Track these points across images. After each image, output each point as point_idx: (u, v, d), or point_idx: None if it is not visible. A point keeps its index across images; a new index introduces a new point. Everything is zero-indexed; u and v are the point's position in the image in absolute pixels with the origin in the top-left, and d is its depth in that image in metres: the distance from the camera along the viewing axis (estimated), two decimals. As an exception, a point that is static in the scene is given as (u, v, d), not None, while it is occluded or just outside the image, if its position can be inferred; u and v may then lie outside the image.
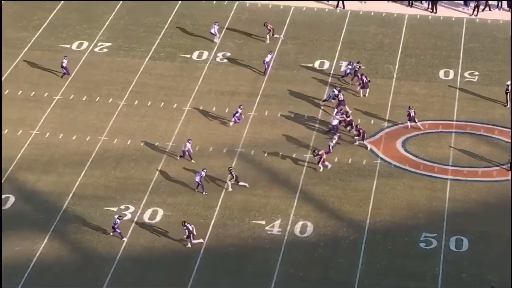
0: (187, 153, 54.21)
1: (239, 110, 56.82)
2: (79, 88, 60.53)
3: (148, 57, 64.06)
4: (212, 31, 65.48)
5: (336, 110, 57.32)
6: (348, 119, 56.41)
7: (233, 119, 56.96)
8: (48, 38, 65.77)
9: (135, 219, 50.66)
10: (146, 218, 50.88)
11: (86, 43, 65.40)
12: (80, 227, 50.15)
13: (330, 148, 54.59)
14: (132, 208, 51.42)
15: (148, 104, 59.10)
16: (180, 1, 70.40)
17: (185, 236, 48.31)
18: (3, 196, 51.82)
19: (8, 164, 54.05)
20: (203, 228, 50.07)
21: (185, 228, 48.15)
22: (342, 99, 57.85)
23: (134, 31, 66.88)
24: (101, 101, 59.51)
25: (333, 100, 58.41)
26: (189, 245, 48.44)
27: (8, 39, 65.14)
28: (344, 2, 69.77)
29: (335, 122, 56.27)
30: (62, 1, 69.74)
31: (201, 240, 48.73)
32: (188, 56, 64.26)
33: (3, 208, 51.11)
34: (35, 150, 55.39)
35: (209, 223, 50.43)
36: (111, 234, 49.28)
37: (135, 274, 47.45)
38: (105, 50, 64.90)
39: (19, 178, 53.23)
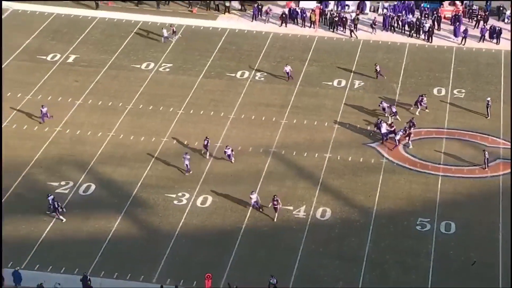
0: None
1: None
2: (147, 100, 60.55)
3: (201, 75, 63.96)
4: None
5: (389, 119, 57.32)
6: (392, 129, 56.06)
7: None
8: (123, 60, 65.82)
9: (190, 204, 50.62)
10: (198, 203, 50.82)
11: (152, 64, 65.40)
12: (146, 209, 50.21)
13: (397, 142, 55.10)
14: (187, 195, 51.40)
15: (201, 113, 59.07)
16: (227, 32, 70.27)
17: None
18: (86, 184, 51.93)
19: (90, 158, 54.17)
20: (243, 212, 49.98)
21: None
22: (395, 111, 57.90)
23: (191, 54, 66.82)
24: (163, 110, 59.48)
25: (385, 112, 58.29)
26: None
27: (92, 60, 65.28)
28: (357, 32, 69.44)
29: (383, 130, 56.03)
30: (134, 32, 69.73)
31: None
32: (233, 75, 64.15)
33: (86, 193, 51.28)
34: (111, 148, 55.46)
35: (248, 208, 50.31)
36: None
37: (189, 248, 47.49)
38: (168, 69, 64.87)
39: (98, 170, 53.32)
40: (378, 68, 63.53)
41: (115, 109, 59.13)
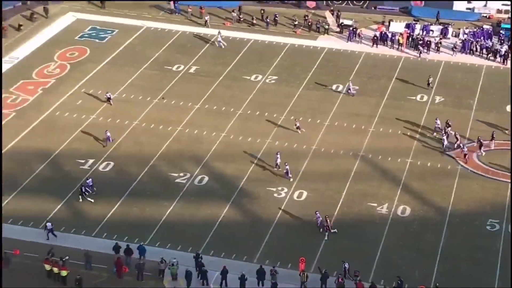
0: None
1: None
2: (254, 106, 60.83)
3: (302, 87, 63.89)
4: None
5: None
6: (458, 142, 55.24)
7: None
8: (236, 72, 66.29)
9: (287, 197, 50.68)
10: (295, 196, 50.85)
11: (260, 76, 65.66)
12: (250, 200, 50.47)
13: (465, 153, 53.94)
14: (286, 189, 51.49)
15: (300, 119, 59.11)
16: (325, 50, 70.08)
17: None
18: (200, 176, 52.45)
19: (205, 154, 54.68)
20: (333, 206, 49.82)
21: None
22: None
23: (293, 69, 66.81)
24: (268, 116, 59.65)
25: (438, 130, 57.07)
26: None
27: (210, 71, 65.93)
28: (439, 55, 68.28)
29: (446, 142, 55.26)
30: (247, 47, 70.27)
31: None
32: (329, 88, 63.96)
33: (200, 184, 51.78)
34: (223, 146, 55.90)
35: (337, 203, 50.10)
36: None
37: (286, 235, 47.58)
38: (273, 81, 65.04)
39: (212, 165, 53.78)
40: (430, 79, 62.56)
41: (227, 113, 59.67)
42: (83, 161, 53.34)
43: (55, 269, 43.10)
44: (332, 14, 74.58)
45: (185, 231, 47.41)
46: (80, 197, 49.50)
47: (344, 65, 67.44)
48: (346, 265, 43.92)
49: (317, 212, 47.75)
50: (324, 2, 77.18)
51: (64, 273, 43.04)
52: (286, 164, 52.05)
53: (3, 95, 60.91)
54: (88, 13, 75.34)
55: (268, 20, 73.76)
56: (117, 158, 53.84)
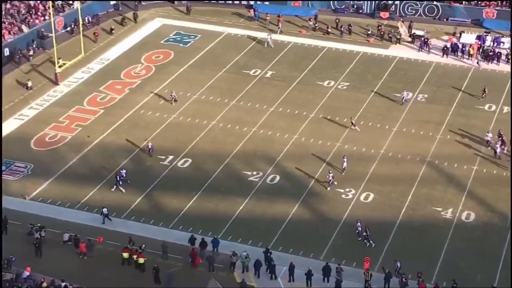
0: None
1: None
2: (326, 111, 60.14)
3: (372, 94, 62.85)
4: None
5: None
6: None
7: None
8: (310, 77, 65.72)
9: (355, 198, 49.84)
10: (362, 198, 49.98)
11: (332, 82, 64.93)
12: (319, 200, 49.84)
13: None
14: (353, 191, 50.64)
15: (369, 124, 58.11)
16: (396, 59, 68.72)
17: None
18: (272, 175, 52.14)
19: (277, 155, 54.35)
20: (398, 209, 48.73)
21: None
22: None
23: (365, 76, 65.84)
24: (339, 120, 58.84)
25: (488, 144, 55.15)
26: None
27: (285, 76, 65.47)
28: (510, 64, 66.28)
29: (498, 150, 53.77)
30: (321, 54, 69.63)
31: None
32: (398, 95, 62.68)
33: (272, 182, 51.45)
34: (295, 148, 55.43)
35: (403, 206, 48.98)
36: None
37: (352, 235, 46.62)
38: (345, 87, 64.19)
39: (283, 165, 53.42)
40: (486, 90, 60.78)
41: (300, 117, 59.14)
42: (163, 157, 53.70)
43: (134, 257, 43.40)
44: (404, 24, 73.20)
45: (256, 227, 47.19)
46: (114, 186, 49.79)
47: (414, 74, 66.01)
48: (398, 264, 42.98)
49: (358, 221, 46.48)
50: (397, 13, 75.82)
51: (141, 260, 43.39)
52: (330, 172, 50.96)
53: (93, 93, 62.07)
54: (174, 19, 75.95)
55: (342, 29, 73.01)
56: (195, 156, 54.05)
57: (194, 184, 50.93)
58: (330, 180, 50.40)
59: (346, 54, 69.56)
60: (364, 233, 45.63)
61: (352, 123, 57.00)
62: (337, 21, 74.55)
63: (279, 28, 73.15)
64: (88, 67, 66.36)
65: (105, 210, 47.15)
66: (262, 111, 60.00)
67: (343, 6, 77.35)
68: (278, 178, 51.97)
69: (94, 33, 69.86)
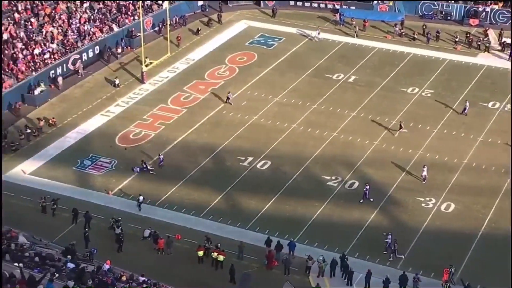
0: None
1: None
2: (408, 118, 59.02)
3: (457, 102, 61.16)
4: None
5: None
6: None
7: None
8: (393, 83, 64.68)
9: (435, 208, 48.85)
10: (442, 208, 48.95)
11: (416, 89, 63.76)
12: (398, 208, 49.06)
13: None
14: (433, 200, 49.68)
15: (453, 133, 56.85)
16: (484, 68, 66.89)
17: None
18: (351, 181, 51.52)
19: (357, 160, 53.78)
20: (480, 221, 47.42)
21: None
22: None
23: (450, 84, 64.38)
24: (421, 127, 57.80)
25: None
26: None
27: (368, 82, 64.78)
28: None
29: None
30: (406, 60, 68.52)
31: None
32: (485, 104, 60.93)
33: (351, 188, 50.84)
34: (375, 154, 54.72)
35: (485, 218, 47.63)
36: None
37: (431, 244, 45.73)
38: (429, 94, 62.93)
39: (363, 170, 52.82)
40: None
41: (381, 123, 58.29)
42: (243, 158, 53.93)
43: (214, 254, 43.69)
44: (493, 32, 71.27)
45: (333, 232, 46.79)
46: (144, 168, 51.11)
47: (503, 84, 64.02)
48: (452, 270, 41.89)
49: (389, 234, 45.07)
50: (487, 20, 73.82)
51: (221, 258, 43.66)
52: (367, 184, 49.71)
53: (177, 93, 62.94)
54: (259, 21, 76.27)
55: (429, 35, 71.63)
56: (274, 158, 54.07)
57: (272, 186, 50.96)
58: (366, 192, 49.24)
59: (432, 61, 68.22)
60: (393, 247, 44.44)
61: (400, 125, 55.74)
62: (424, 27, 73.25)
63: (355, 32, 72.41)
64: (173, 66, 67.31)
65: (141, 198, 47.94)
66: (343, 116, 59.51)
67: (431, 12, 75.91)
68: (357, 184, 51.42)
69: (177, 37, 70.43)
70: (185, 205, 48.80)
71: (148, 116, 59.41)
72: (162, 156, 52.40)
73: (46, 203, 47.57)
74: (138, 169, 51.62)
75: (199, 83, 64.58)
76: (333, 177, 51.90)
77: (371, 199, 49.15)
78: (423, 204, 49.19)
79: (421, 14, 76.45)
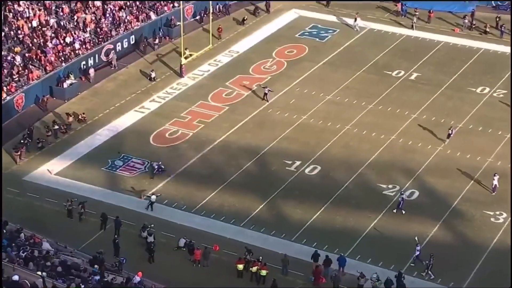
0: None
1: None
2: (477, 121, 58.12)
3: (529, 104, 60.42)
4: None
5: None
6: None
7: None
8: (460, 82, 63.72)
9: (507, 223, 47.71)
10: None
11: (487, 89, 62.61)
12: (463, 222, 48.25)
13: None
14: (505, 215, 48.59)
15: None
16: None
17: None
18: (411, 190, 50.96)
19: (418, 167, 53.06)
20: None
21: None
22: None
23: (524, 84, 63.35)
24: (492, 132, 56.87)
25: None
26: None
27: (432, 80, 64.04)
28: None
29: None
30: (476, 56, 67.25)
31: None
32: None
33: (410, 198, 50.23)
34: (438, 160, 53.78)
35: None
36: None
37: (500, 264, 44.65)
38: (501, 95, 61.72)
39: (424, 179, 52.12)
40: None
41: (446, 126, 57.17)
42: (289, 162, 53.66)
43: (255, 268, 43.46)
44: None
45: (389, 247, 46.12)
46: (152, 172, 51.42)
47: None
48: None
49: (418, 245, 44.66)
50: None
51: (263, 272, 43.43)
52: (402, 193, 49.13)
53: (219, 88, 62.99)
54: (311, 11, 75.92)
55: (503, 29, 70.39)
56: (324, 162, 53.71)
57: (321, 194, 50.62)
58: (401, 202, 48.53)
59: (505, 57, 67.08)
60: (427, 262, 43.68)
61: (450, 132, 54.94)
62: (497, 19, 72.01)
63: (413, 23, 71.51)
64: (215, 59, 67.41)
65: (153, 197, 48.03)
66: (403, 117, 58.79)
67: (506, 3, 74.45)
68: (417, 193, 50.66)
69: (218, 29, 70.32)
70: (224, 213, 48.70)
71: (186, 114, 59.51)
72: (156, 164, 51.90)
73: (73, 206, 47.88)
74: (156, 166, 51.75)
75: (243, 78, 64.47)
76: (390, 186, 51.27)
77: (403, 211, 48.59)
78: (492, 219, 48.16)
79: (494, 5, 75.22)
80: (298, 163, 53.55)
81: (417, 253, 44.54)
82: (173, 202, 49.58)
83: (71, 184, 51.02)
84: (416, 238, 45.29)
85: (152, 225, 46.24)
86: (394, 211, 48.73)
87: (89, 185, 50.99)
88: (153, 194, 48.81)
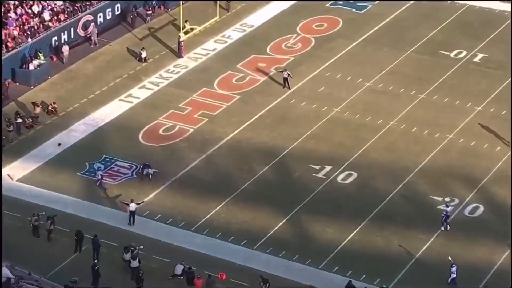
0: None
1: None
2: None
3: None
4: None
5: None
6: None
7: None
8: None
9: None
10: None
11: None
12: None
13: None
14: None
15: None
16: None
17: None
18: (474, 205, 51.04)
19: (483, 175, 53.17)
20: None
21: None
22: None
23: None
24: None
25: None
26: None
27: (502, 62, 64.05)
28: None
29: None
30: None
31: None
32: None
33: (472, 215, 50.35)
34: (508, 167, 53.69)
35: None
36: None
37: None
38: None
39: (491, 190, 52.17)
40: None
41: (521, 122, 57.47)
42: (317, 167, 53.74)
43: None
44: None
45: (446, 275, 45.72)
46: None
47: None
48: None
49: (454, 266, 44.93)
50: None
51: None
52: (448, 205, 49.31)
53: (228, 72, 63.34)
54: (346, -27, 76.23)
55: None
56: (362, 168, 53.78)
57: (358, 208, 50.59)
58: (443, 216, 48.90)
59: None
60: None
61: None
62: None
63: None
64: (223, 35, 67.71)
65: (132, 205, 48.29)
66: (464, 111, 58.97)
67: None
68: (481, 209, 50.75)
69: (225, -3, 71.04)
70: (233, 232, 48.68)
71: (185, 104, 59.68)
72: (146, 166, 52.39)
73: (40, 222, 47.85)
74: (151, 171, 52.22)
75: (259, 59, 64.67)
76: (447, 199, 51.28)
77: (448, 227, 48.88)
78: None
79: None
80: (328, 168, 53.63)
81: (453, 275, 44.82)
82: (168, 217, 49.54)
83: (38, 193, 51.09)
84: (449, 258, 45.37)
85: (141, 247, 46.15)
86: (442, 228, 48.76)
87: (60, 194, 51.06)
88: (132, 201, 48.93)
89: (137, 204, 48.95)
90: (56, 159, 54.12)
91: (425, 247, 47.97)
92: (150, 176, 52.09)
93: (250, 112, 58.91)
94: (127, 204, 48.81)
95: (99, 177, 51.93)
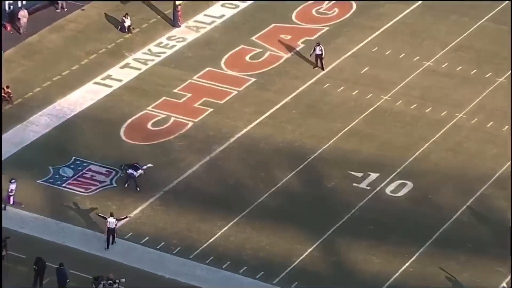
0: None
1: None
2: None
3: None
4: None
5: None
6: None
7: None
8: None
9: None
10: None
11: None
12: None
13: None
14: None
15: None
16: None
17: None
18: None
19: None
20: None
21: None
22: None
23: None
24: None
25: None
26: None
27: None
28: None
29: None
30: None
31: None
32: None
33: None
34: None
35: None
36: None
37: None
38: None
39: None
40: None
41: None
42: (359, 174, 53.87)
43: None
44: None
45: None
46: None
47: None
48: None
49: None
50: None
51: None
52: None
53: (240, 47, 64.06)
54: None
55: None
56: (419, 175, 54.01)
57: (414, 229, 50.56)
58: None
59: None
60: None
61: None
62: None
63: None
64: (232, -2, 68.56)
65: (111, 221, 48.57)
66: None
67: None
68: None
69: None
70: (246, 261, 48.50)
71: (182, 89, 60.00)
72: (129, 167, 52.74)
73: (-13, 246, 47.99)
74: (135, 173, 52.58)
75: (281, 29, 65.30)
76: (533, 216, 51.37)
77: None
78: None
79: None
80: (374, 176, 53.72)
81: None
82: (159, 241, 49.48)
83: (-14, 207, 51.26)
84: (504, 285, 46.39)
85: (123, 280, 45.99)
86: None
87: (16, 209, 50.96)
88: (111, 215, 48.94)
89: (118, 219, 48.95)
90: (10, 162, 54.03)
91: (507, 280, 47.64)
92: (135, 180, 52.35)
93: (269, 101, 59.30)
94: (105, 218, 48.58)
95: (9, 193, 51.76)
